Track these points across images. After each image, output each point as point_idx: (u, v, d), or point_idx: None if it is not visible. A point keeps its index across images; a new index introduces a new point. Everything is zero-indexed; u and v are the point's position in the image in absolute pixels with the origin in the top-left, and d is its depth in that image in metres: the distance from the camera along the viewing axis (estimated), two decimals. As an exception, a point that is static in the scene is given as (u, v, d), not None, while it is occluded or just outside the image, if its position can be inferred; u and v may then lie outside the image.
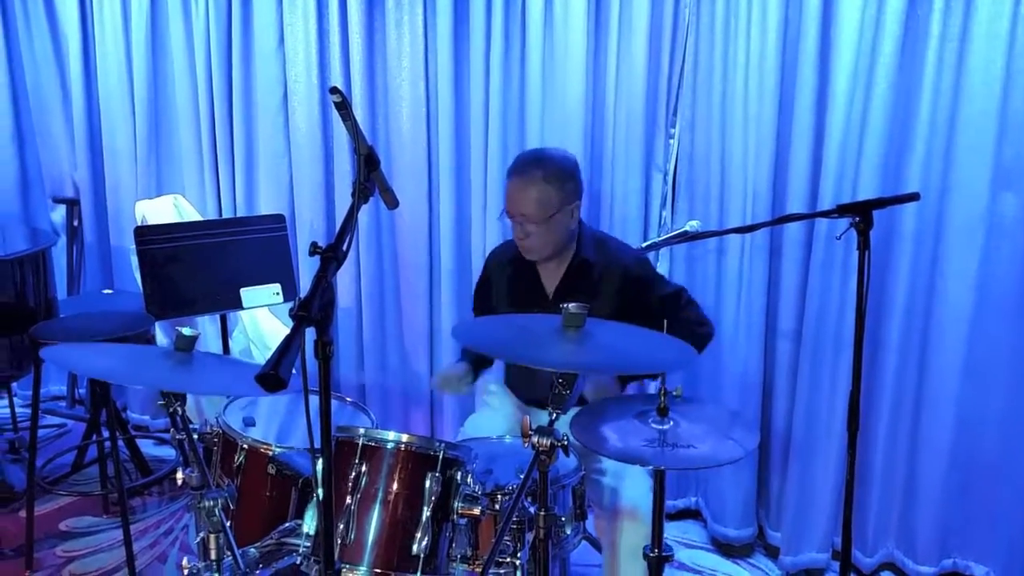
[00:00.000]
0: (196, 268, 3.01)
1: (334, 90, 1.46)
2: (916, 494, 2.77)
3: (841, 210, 2.17)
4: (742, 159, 2.83)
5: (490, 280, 2.62)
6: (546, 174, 2.28)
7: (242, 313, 3.43)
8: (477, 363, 2.52)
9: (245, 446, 2.15)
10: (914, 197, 2.26)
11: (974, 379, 2.61)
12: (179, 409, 1.84)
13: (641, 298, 2.39)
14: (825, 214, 2.26)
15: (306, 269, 3.47)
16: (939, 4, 2.45)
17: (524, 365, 1.76)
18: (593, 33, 2.96)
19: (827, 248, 2.71)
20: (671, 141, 3.01)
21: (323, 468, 1.44)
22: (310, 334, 1.32)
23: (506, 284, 2.54)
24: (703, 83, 2.90)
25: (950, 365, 2.62)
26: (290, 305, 3.42)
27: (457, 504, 1.84)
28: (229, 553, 1.81)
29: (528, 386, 2.56)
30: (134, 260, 3.17)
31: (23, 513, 2.99)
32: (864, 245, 2.13)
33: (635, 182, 3.01)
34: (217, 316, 3.25)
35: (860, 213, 2.12)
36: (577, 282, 2.41)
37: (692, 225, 2.49)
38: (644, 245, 2.55)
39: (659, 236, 2.72)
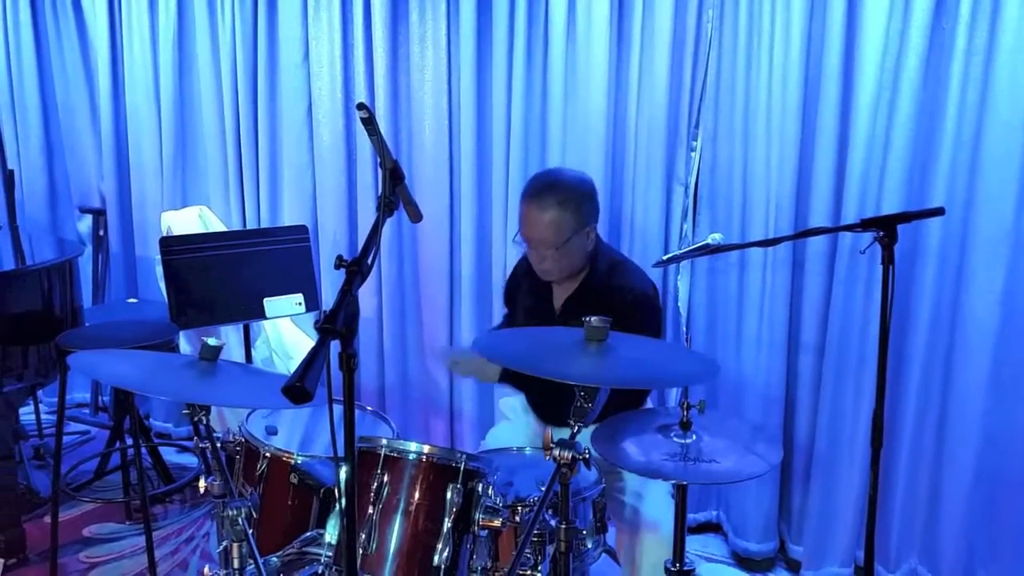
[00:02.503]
0: (220, 278, 3.04)
1: (361, 106, 1.48)
2: (940, 509, 2.74)
3: (865, 224, 2.16)
4: (764, 172, 2.82)
5: (513, 290, 2.61)
6: (561, 199, 2.24)
7: (265, 323, 3.46)
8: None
9: (267, 455, 2.17)
10: (939, 212, 2.24)
11: (1000, 395, 2.58)
12: (203, 418, 1.85)
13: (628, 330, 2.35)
14: (849, 228, 2.25)
15: (328, 280, 3.49)
16: (965, 18, 2.44)
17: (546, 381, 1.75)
18: (615, 46, 2.97)
19: (851, 262, 2.70)
20: (693, 154, 3.01)
21: (346, 478, 1.45)
22: (334, 346, 1.34)
23: (524, 295, 2.55)
24: (725, 96, 2.90)
25: (975, 380, 2.59)
26: (312, 315, 3.46)
27: (478, 516, 1.84)
28: (252, 562, 1.83)
29: (551, 407, 2.54)
30: (159, 270, 3.20)
31: (48, 519, 3.02)
32: (888, 259, 2.11)
33: (656, 195, 3.02)
34: (240, 326, 3.28)
35: (884, 227, 2.11)
36: (582, 303, 2.38)
37: (714, 238, 2.48)
38: (665, 258, 2.54)
39: (680, 249, 2.72)
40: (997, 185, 2.48)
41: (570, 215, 2.24)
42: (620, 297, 2.34)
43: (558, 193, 2.25)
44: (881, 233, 2.12)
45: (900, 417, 2.73)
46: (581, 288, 2.40)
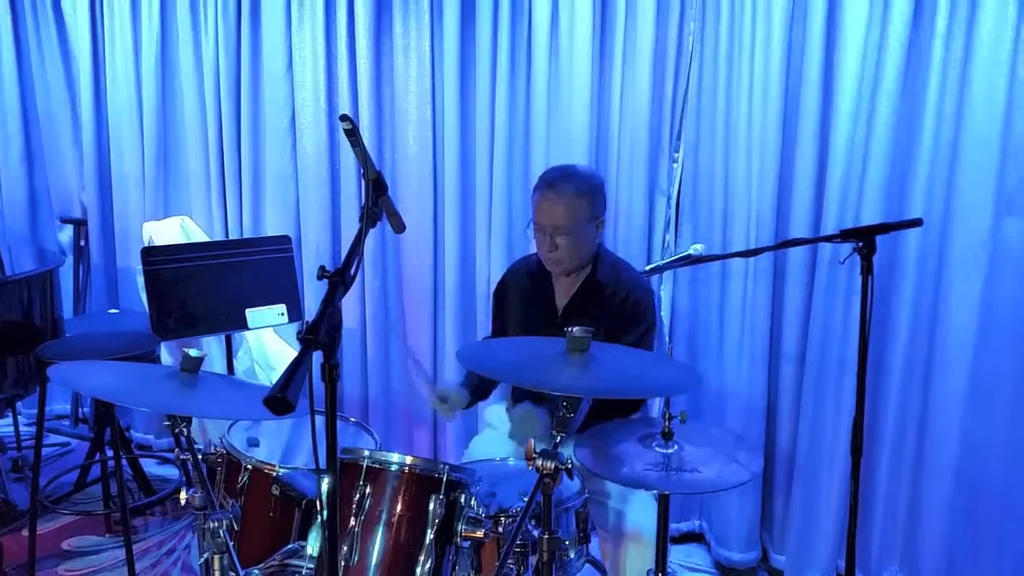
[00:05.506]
0: (202, 289, 3.03)
1: (344, 118, 1.48)
2: (920, 517, 2.76)
3: (844, 235, 2.18)
4: (746, 183, 2.84)
5: (505, 297, 2.61)
6: (578, 187, 2.33)
7: (247, 334, 3.44)
8: (476, 393, 2.52)
9: (249, 467, 2.16)
10: (917, 223, 2.27)
11: (978, 403, 2.61)
12: (184, 429, 1.85)
13: (625, 327, 2.38)
14: (828, 239, 2.28)
15: (311, 290, 3.48)
16: (941, 30, 2.48)
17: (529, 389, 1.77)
18: (598, 58, 2.99)
19: (831, 272, 2.72)
20: (675, 165, 3.04)
21: (328, 490, 1.44)
22: (316, 357, 1.33)
23: (521, 298, 2.55)
24: (707, 108, 2.93)
25: (954, 389, 2.62)
26: (295, 326, 3.46)
27: (461, 527, 1.84)
28: (233, 574, 1.81)
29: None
30: (140, 280, 3.18)
31: (26, 532, 2.99)
32: (867, 270, 2.14)
33: (639, 205, 3.03)
34: (222, 336, 3.26)
35: (863, 238, 2.14)
36: (586, 301, 2.42)
37: (696, 249, 2.50)
38: (648, 268, 2.56)
39: (663, 259, 2.74)
40: (974, 196, 2.52)
41: (585, 203, 2.32)
42: (626, 294, 2.40)
43: (574, 182, 2.33)
44: (860, 244, 2.14)
45: (880, 426, 2.75)
46: (585, 285, 2.43)
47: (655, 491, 1.88)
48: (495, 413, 2.72)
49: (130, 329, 3.20)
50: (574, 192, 2.31)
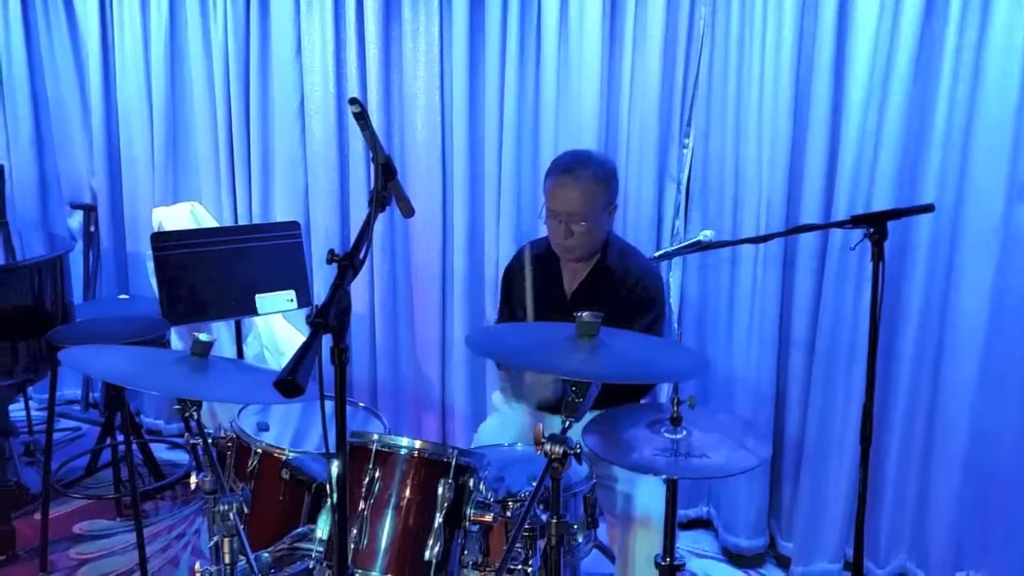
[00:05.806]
0: (212, 274, 3.04)
1: (353, 101, 1.48)
2: (929, 505, 2.76)
3: (855, 221, 2.17)
4: (756, 169, 2.83)
5: (513, 281, 2.60)
6: (596, 173, 2.32)
7: (256, 319, 3.45)
8: None
9: (259, 450, 2.17)
10: (929, 209, 2.26)
11: (989, 391, 2.60)
12: (194, 414, 1.85)
13: (636, 314, 2.38)
14: (839, 224, 2.27)
15: (320, 276, 3.49)
16: (955, 16, 2.45)
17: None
18: (608, 43, 2.97)
19: (841, 258, 2.71)
20: (685, 151, 3.02)
21: (338, 473, 1.45)
22: (326, 341, 1.33)
23: (529, 282, 2.54)
24: (717, 93, 2.91)
25: (964, 376, 2.61)
26: (304, 311, 3.46)
27: (469, 511, 1.84)
28: (243, 557, 1.83)
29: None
30: (150, 266, 3.20)
31: (38, 515, 3.02)
32: (878, 256, 2.13)
33: (649, 191, 3.02)
34: (232, 321, 3.28)
35: (875, 224, 2.13)
36: (595, 286, 2.42)
37: (706, 235, 2.50)
38: (657, 255, 2.56)
39: (672, 246, 2.73)
40: (986, 182, 2.50)
41: (602, 189, 2.32)
42: (635, 281, 2.39)
43: (591, 168, 2.32)
44: (871, 230, 2.13)
45: (890, 413, 2.75)
46: (595, 271, 2.43)
47: (663, 476, 1.88)
48: (501, 398, 2.73)
49: (140, 314, 3.22)
50: (592, 178, 2.30)
